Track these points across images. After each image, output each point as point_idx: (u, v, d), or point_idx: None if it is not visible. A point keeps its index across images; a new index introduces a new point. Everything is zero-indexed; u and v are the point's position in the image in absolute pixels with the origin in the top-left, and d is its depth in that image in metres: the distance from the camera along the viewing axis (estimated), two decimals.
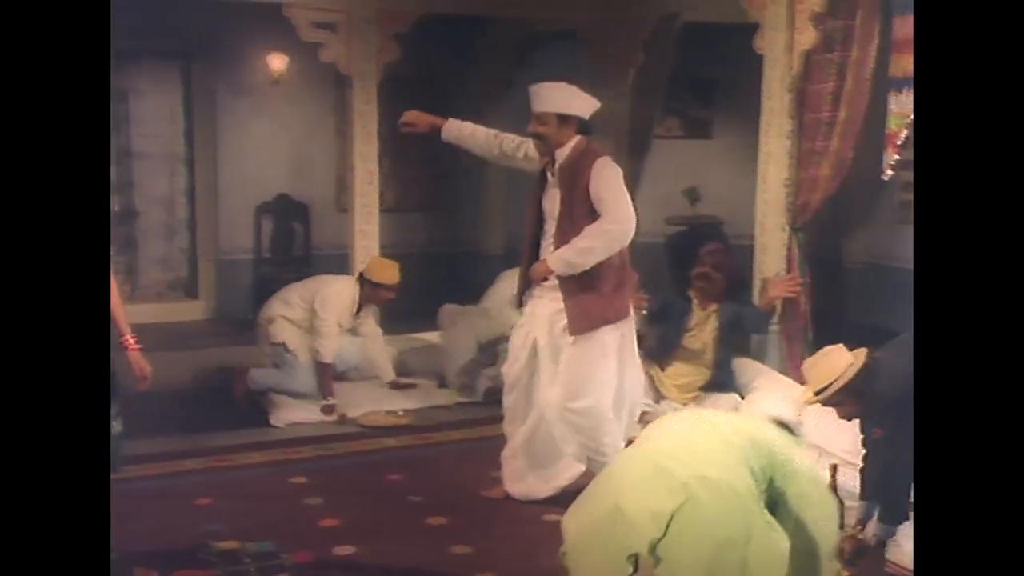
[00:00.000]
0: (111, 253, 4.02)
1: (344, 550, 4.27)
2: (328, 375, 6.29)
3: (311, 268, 8.88)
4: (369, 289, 6.33)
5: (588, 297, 4.40)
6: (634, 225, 4.35)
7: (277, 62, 8.58)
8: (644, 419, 5.60)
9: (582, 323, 4.41)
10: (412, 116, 4.85)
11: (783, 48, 5.84)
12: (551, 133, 4.41)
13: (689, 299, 5.99)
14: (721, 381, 5.85)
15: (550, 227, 4.47)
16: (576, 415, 4.49)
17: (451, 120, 4.82)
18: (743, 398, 5.73)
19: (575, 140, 4.44)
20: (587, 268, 4.34)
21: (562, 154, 4.45)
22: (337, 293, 6.27)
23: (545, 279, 4.42)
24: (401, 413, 6.22)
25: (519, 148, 4.72)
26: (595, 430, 4.51)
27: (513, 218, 9.73)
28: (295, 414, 6.13)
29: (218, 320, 8.87)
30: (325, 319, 6.17)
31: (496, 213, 9.69)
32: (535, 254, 4.54)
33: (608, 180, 4.34)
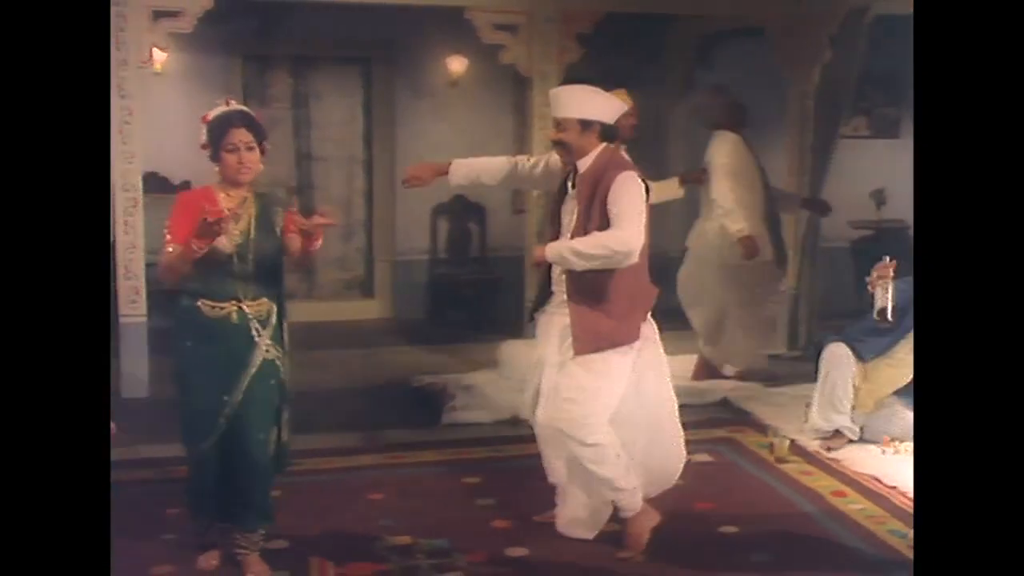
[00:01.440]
0: None
1: (517, 552, 4.22)
2: None
3: (487, 269, 8.95)
4: None
5: (596, 316, 4.06)
6: (638, 247, 3.98)
7: (456, 64, 8.66)
8: (831, 445, 5.40)
9: (588, 343, 4.07)
10: (414, 170, 4.51)
11: None
12: (572, 140, 4.10)
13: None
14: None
15: (564, 239, 4.13)
16: (562, 432, 4.15)
17: (456, 161, 4.47)
18: None
19: (599, 148, 4.14)
20: (579, 269, 4.01)
21: (584, 163, 4.12)
22: None
23: (537, 264, 4.19)
24: None
25: (536, 165, 4.47)
26: (585, 450, 4.13)
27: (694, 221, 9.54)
28: (470, 414, 6.11)
29: (393, 319, 9.02)
30: None
31: (674, 216, 9.48)
32: (549, 267, 4.23)
33: (626, 195, 4.00)
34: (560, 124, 4.12)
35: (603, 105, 4.13)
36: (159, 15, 6.34)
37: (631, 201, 4.00)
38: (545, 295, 4.26)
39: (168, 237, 3.76)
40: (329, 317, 8.81)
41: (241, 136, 3.79)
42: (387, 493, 4.87)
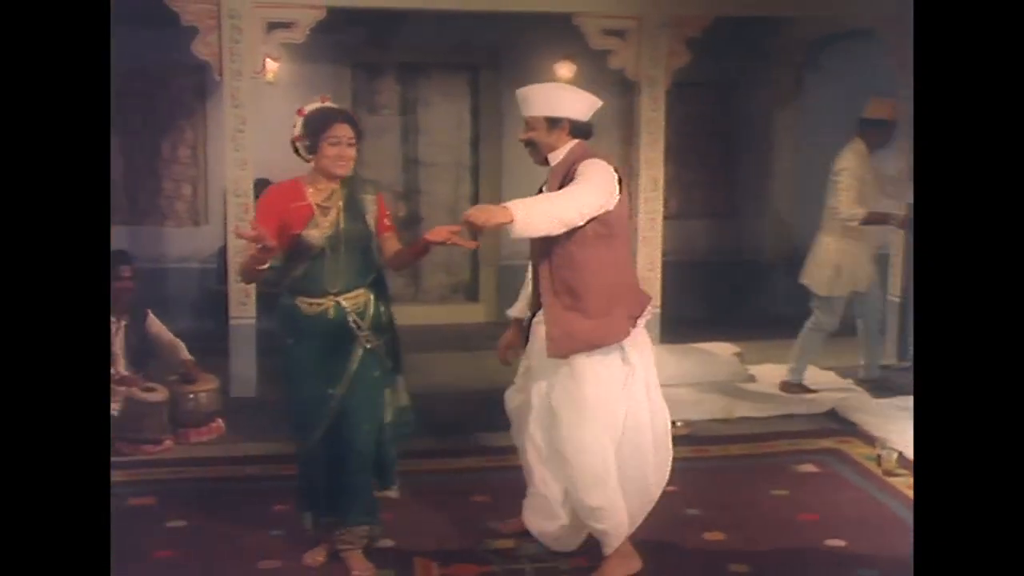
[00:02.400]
0: None
1: None
2: None
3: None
4: None
5: (571, 316, 3.87)
6: (582, 211, 3.68)
7: (564, 70, 8.68)
8: None
9: (562, 344, 3.87)
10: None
11: None
12: (540, 138, 3.96)
13: None
14: None
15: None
16: (560, 455, 3.98)
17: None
18: None
19: (571, 144, 3.98)
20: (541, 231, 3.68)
21: (555, 158, 3.99)
22: None
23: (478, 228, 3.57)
24: (679, 424, 6.06)
25: None
26: (572, 471, 3.96)
27: (801, 228, 9.39)
28: None
29: (497, 323, 9.05)
30: None
31: (782, 222, 9.35)
32: (536, 272, 4.08)
33: (588, 170, 3.78)
34: (528, 123, 4.01)
35: (572, 102, 3.98)
36: (273, 26, 6.52)
37: (593, 173, 3.77)
38: (537, 303, 4.07)
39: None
40: (435, 320, 8.92)
41: (344, 131, 3.89)
42: (491, 496, 4.91)
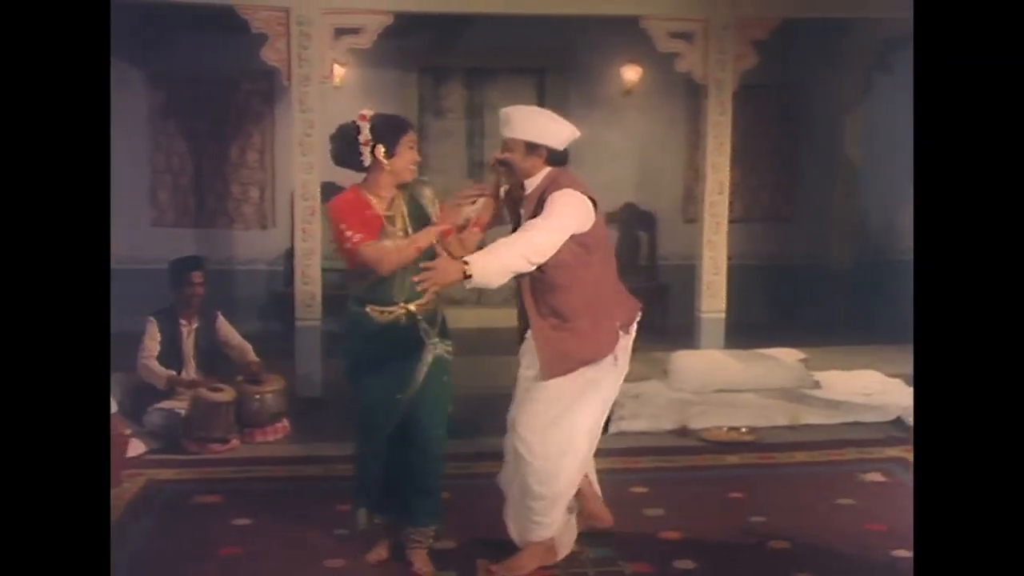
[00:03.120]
0: None
1: (684, 564, 4.17)
2: None
3: (656, 277, 8.90)
4: None
5: (562, 336, 3.89)
6: (542, 251, 3.66)
7: (631, 73, 8.66)
8: None
9: (556, 366, 3.89)
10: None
11: None
12: (516, 160, 3.93)
13: None
14: None
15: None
16: (524, 457, 3.99)
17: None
18: None
19: (545, 171, 3.96)
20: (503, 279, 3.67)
21: (531, 184, 3.96)
22: None
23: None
24: (744, 430, 6.01)
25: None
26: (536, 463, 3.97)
27: (868, 232, 9.25)
28: (637, 423, 6.09)
29: None
30: None
31: (846, 225, 9.22)
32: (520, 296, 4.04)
33: (555, 204, 3.77)
34: (506, 144, 3.96)
35: (552, 130, 3.98)
36: (340, 32, 6.59)
37: (560, 205, 3.76)
38: (525, 323, 4.07)
39: (356, 236, 3.83)
40: (498, 324, 8.92)
41: (413, 137, 3.96)
42: None
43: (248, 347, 6.16)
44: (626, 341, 4.07)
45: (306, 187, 6.69)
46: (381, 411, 4.00)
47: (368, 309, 3.96)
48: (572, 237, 3.79)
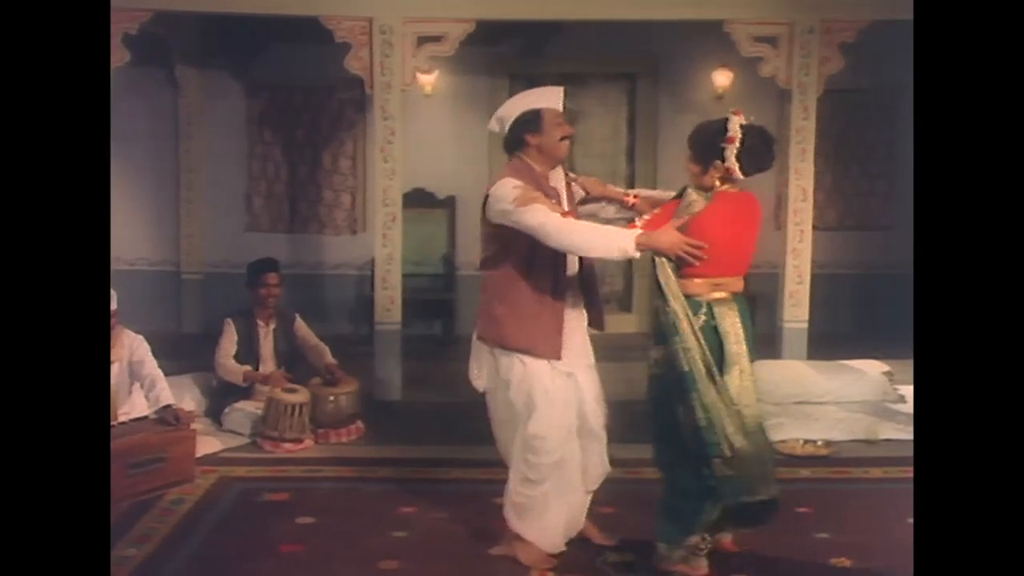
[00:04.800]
0: None
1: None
2: None
3: (747, 286, 8.73)
4: None
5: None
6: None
7: (722, 78, 8.54)
8: None
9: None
10: None
11: None
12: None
13: None
14: None
15: None
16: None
17: None
18: None
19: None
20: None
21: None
22: None
23: None
24: (820, 443, 5.86)
25: None
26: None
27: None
28: None
29: (649, 334, 8.96)
30: None
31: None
32: None
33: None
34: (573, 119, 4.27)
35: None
36: (423, 40, 6.69)
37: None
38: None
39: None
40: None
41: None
42: (618, 507, 4.85)
43: (325, 349, 6.29)
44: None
45: (387, 193, 6.80)
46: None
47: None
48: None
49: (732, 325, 3.98)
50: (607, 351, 8.22)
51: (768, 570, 4.19)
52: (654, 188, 8.77)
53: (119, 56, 6.64)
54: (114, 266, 8.61)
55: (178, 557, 4.32)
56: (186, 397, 6.16)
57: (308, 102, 8.79)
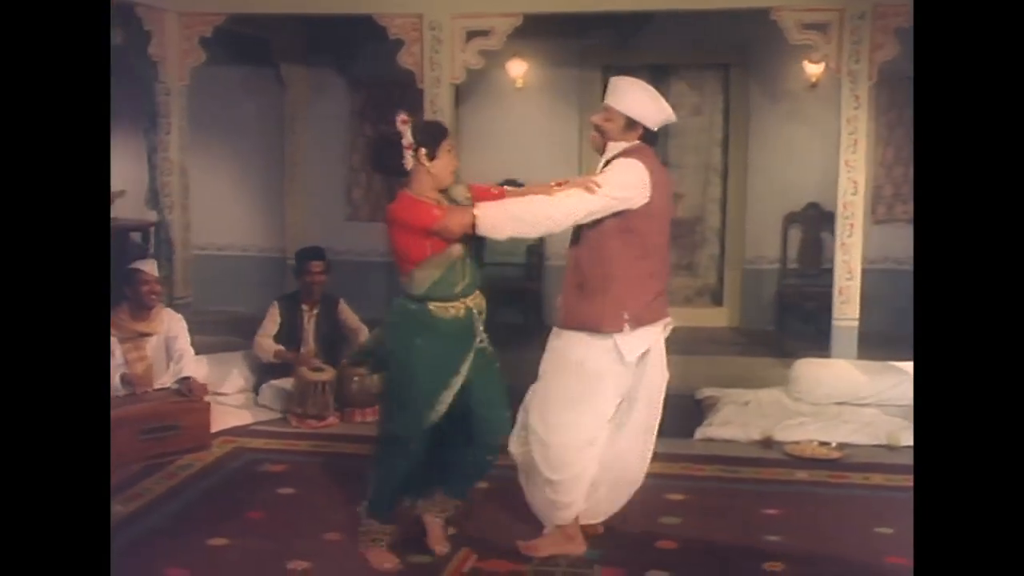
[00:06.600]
0: None
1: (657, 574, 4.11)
2: None
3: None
4: None
5: (572, 291, 4.05)
6: (569, 215, 3.87)
7: (814, 66, 8.23)
8: None
9: (562, 317, 4.11)
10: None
11: None
12: (613, 131, 4.03)
13: None
14: None
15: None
16: (534, 444, 4.18)
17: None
18: None
19: (633, 144, 4.05)
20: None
21: (614, 148, 4.05)
22: None
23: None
24: (834, 445, 5.65)
25: None
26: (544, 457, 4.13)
27: None
28: (723, 431, 5.91)
29: (740, 328, 8.81)
30: None
31: None
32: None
33: (610, 170, 3.96)
34: (608, 112, 4.04)
35: (653, 110, 4.06)
36: (472, 35, 6.88)
37: (622, 166, 3.94)
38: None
39: (435, 211, 3.95)
40: (680, 323, 8.77)
41: (452, 142, 4.11)
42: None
43: (364, 330, 6.62)
44: (635, 339, 4.04)
45: None
46: (436, 396, 4.12)
47: (430, 306, 4.07)
48: (619, 214, 3.95)
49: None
50: (697, 345, 8.18)
51: (696, 567, 4.17)
52: (745, 180, 8.68)
53: (196, 57, 7.19)
54: (227, 252, 9.34)
55: (155, 515, 4.73)
56: (234, 372, 6.66)
57: (404, 96, 9.12)
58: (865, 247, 8.00)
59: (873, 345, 7.02)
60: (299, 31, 8.93)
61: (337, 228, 9.14)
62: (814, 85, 8.32)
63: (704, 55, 8.77)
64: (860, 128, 6.54)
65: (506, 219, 3.86)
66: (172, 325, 5.95)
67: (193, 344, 5.98)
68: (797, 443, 5.68)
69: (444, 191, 4.09)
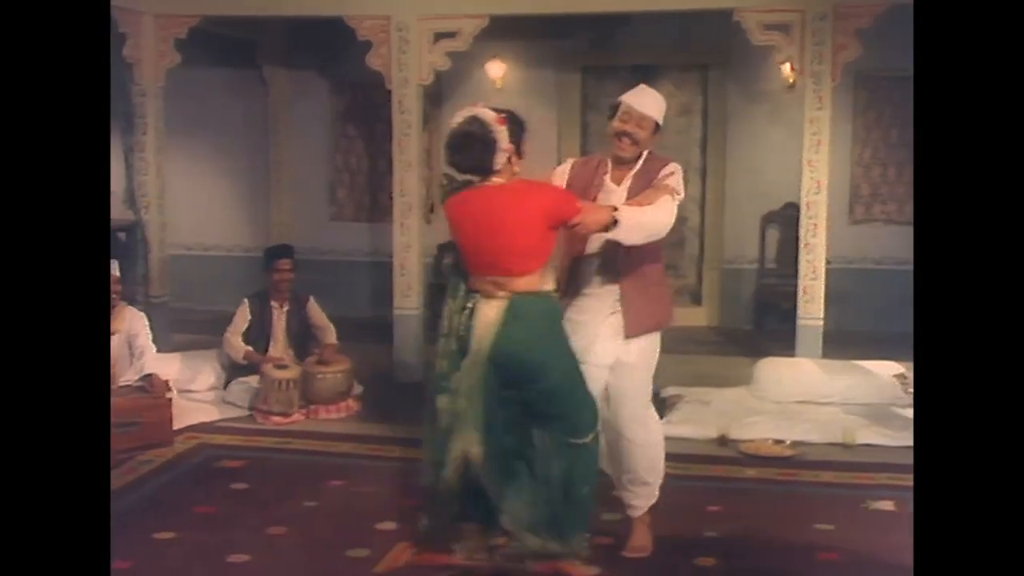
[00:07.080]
0: None
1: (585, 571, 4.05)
2: None
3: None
4: None
5: (637, 297, 4.10)
6: (671, 221, 3.92)
7: (788, 70, 8.24)
8: None
9: (637, 325, 4.12)
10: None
11: None
12: (644, 138, 4.13)
13: None
14: None
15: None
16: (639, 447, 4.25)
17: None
18: None
19: (649, 149, 4.24)
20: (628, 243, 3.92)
21: (644, 158, 4.20)
22: None
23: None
24: (788, 443, 5.69)
25: None
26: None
27: None
28: (678, 429, 5.91)
29: (718, 328, 8.84)
30: None
31: None
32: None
33: (675, 178, 4.07)
34: (636, 119, 4.11)
35: (663, 113, 4.24)
36: (439, 36, 6.95)
37: (676, 186, 4.06)
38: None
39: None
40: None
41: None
42: None
43: (331, 329, 6.71)
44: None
45: (403, 184, 7.14)
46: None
47: (562, 302, 4.05)
48: None
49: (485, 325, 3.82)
50: (675, 344, 8.18)
51: (623, 563, 4.19)
52: (723, 181, 8.70)
53: (171, 58, 7.29)
54: (213, 252, 9.46)
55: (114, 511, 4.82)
56: (206, 369, 6.75)
57: (387, 98, 9.21)
58: (842, 247, 8.07)
59: (849, 344, 7.06)
60: (281, 33, 9.02)
61: (322, 228, 9.23)
62: (791, 86, 8.32)
63: (683, 56, 8.79)
64: (824, 128, 6.55)
65: (636, 225, 3.86)
66: (134, 323, 6.05)
67: (175, 343, 6.10)
68: (752, 441, 5.71)
69: None
